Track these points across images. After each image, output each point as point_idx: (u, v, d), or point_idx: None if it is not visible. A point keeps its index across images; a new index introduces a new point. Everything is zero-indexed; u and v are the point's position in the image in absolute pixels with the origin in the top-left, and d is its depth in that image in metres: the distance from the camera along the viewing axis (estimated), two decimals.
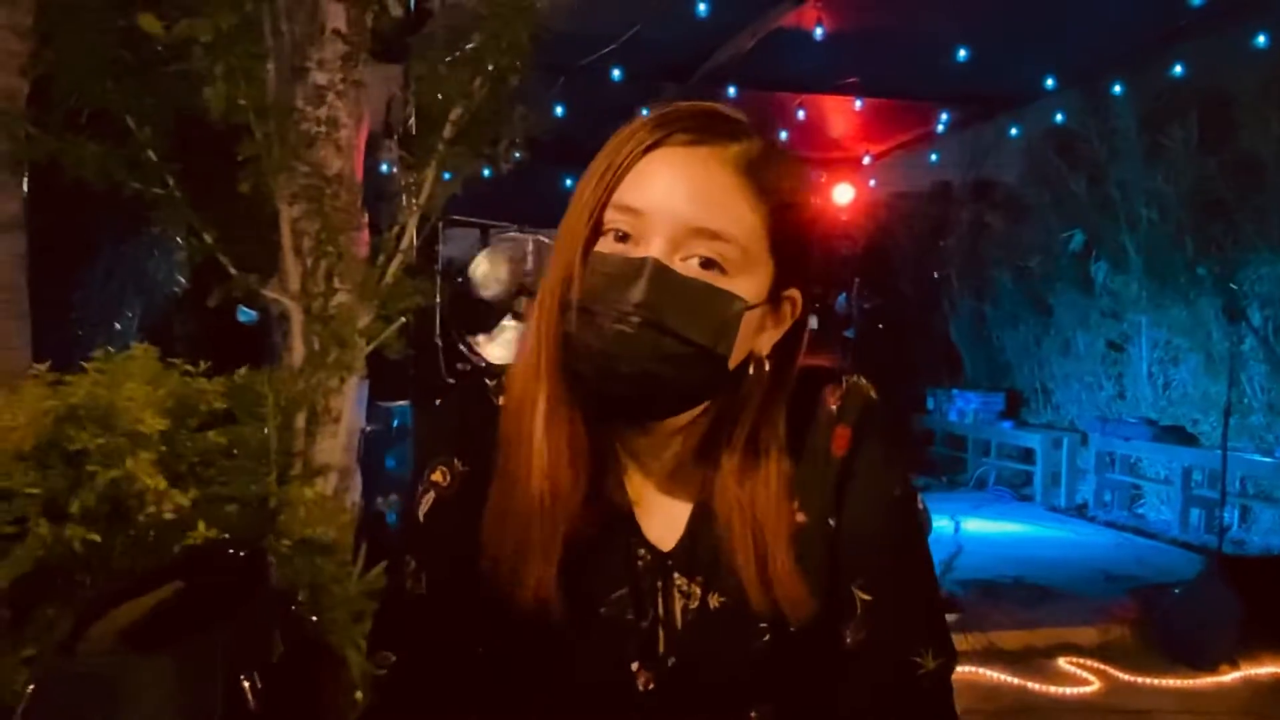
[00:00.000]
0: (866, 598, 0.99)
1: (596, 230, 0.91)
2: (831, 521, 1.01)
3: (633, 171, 0.90)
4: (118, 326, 5.47)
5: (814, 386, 1.04)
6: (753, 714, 1.00)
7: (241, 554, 0.81)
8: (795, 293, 0.98)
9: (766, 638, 0.98)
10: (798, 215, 0.97)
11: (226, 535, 2.52)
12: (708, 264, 0.90)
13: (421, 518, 1.01)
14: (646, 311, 0.88)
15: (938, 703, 1.00)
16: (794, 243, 0.97)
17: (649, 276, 0.87)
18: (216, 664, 0.69)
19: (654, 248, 0.88)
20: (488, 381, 1.07)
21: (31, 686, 0.72)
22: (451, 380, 5.19)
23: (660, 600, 1.01)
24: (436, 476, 1.01)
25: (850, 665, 1.00)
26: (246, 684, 0.70)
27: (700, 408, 0.97)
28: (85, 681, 0.70)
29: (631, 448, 1.03)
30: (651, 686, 0.99)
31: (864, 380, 1.05)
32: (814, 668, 1.01)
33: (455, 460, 1.02)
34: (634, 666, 0.98)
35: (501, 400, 1.02)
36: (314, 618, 0.84)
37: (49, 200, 3.52)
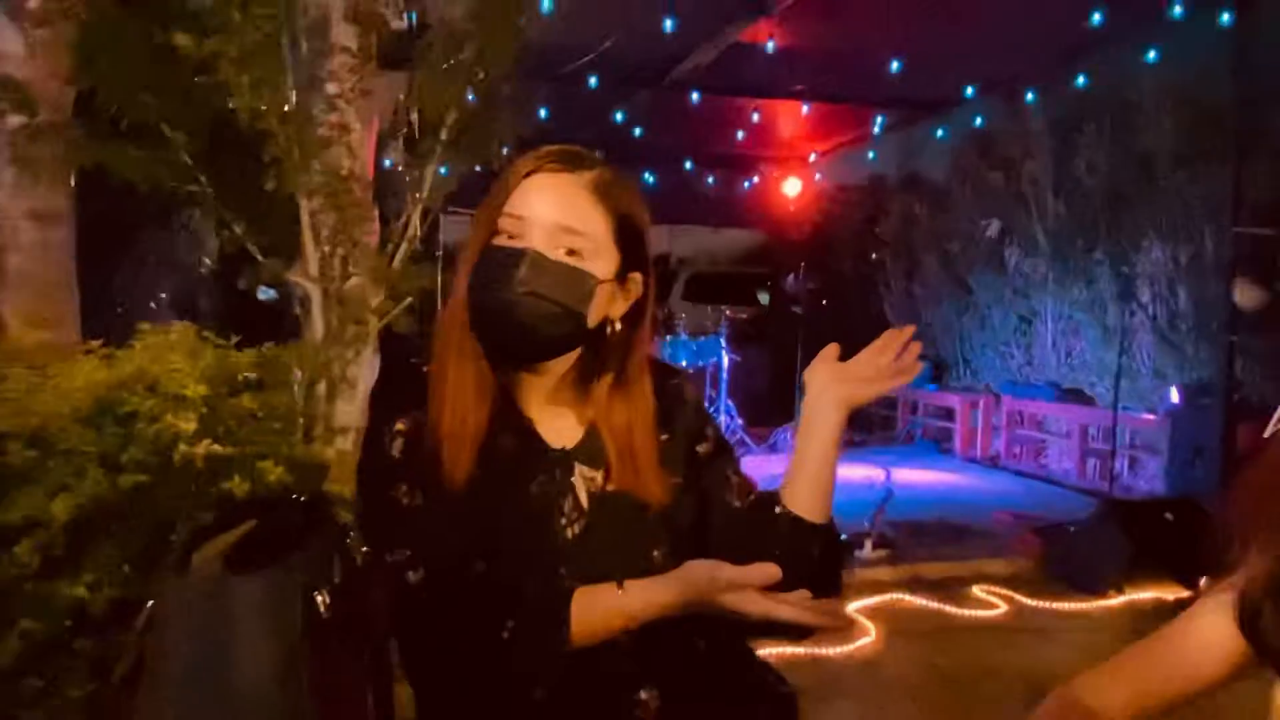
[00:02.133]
0: (735, 477, 1.24)
1: (493, 232, 1.10)
2: (699, 449, 1.26)
3: (517, 190, 1.11)
4: (152, 305, 5.44)
5: (670, 375, 1.31)
6: (656, 554, 1.18)
7: (303, 499, 0.87)
8: (638, 275, 1.18)
9: (651, 508, 1.17)
10: (634, 220, 1.17)
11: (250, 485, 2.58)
12: (570, 253, 1.09)
13: (398, 453, 1.13)
14: (529, 285, 1.06)
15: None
16: (633, 239, 1.16)
17: (529, 261, 1.07)
18: (295, 583, 0.74)
19: (533, 241, 1.08)
20: (414, 361, 1.21)
21: (151, 601, 0.77)
22: None
23: (571, 481, 1.18)
24: (400, 425, 1.14)
25: (741, 515, 1.20)
26: (319, 598, 0.76)
27: (575, 353, 1.16)
28: (194, 596, 0.75)
29: (526, 382, 1.18)
30: (576, 533, 1.15)
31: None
32: (699, 528, 1.21)
33: (413, 413, 1.14)
34: (562, 522, 1.15)
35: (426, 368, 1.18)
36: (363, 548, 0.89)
37: (91, 194, 3.51)
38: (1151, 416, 6.32)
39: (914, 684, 3.42)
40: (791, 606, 1.02)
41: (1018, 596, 4.34)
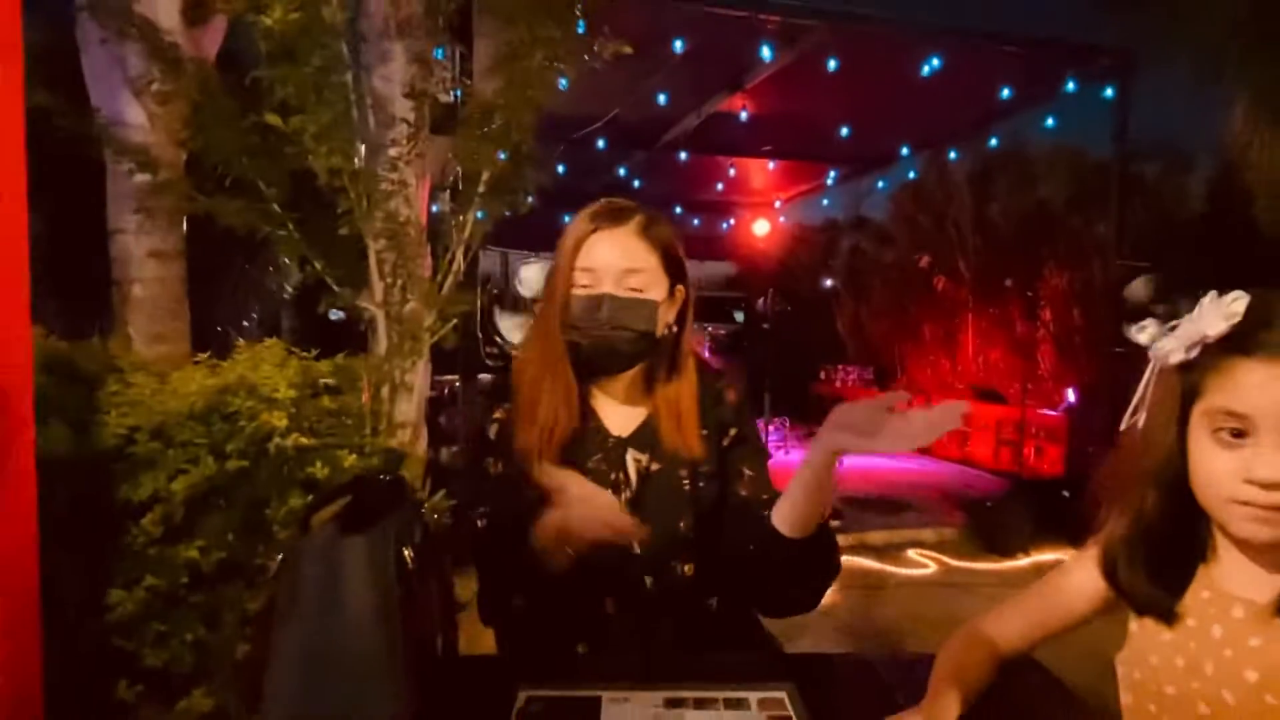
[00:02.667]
0: (750, 472, 1.24)
1: (570, 284, 1.15)
2: (725, 440, 1.26)
3: (584, 248, 1.16)
4: (245, 324, 5.44)
5: (717, 379, 1.30)
6: (681, 524, 1.20)
7: (387, 478, 0.90)
8: (681, 287, 1.23)
9: (686, 485, 1.22)
10: (673, 248, 1.23)
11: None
12: (634, 288, 1.16)
13: (493, 436, 1.20)
14: (612, 321, 1.13)
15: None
16: (674, 262, 1.22)
17: (608, 303, 1.13)
18: (388, 542, 0.76)
19: (605, 286, 1.14)
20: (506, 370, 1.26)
21: (280, 556, 0.80)
22: (487, 361, 5.19)
23: (623, 462, 1.22)
24: (499, 415, 1.20)
25: (744, 504, 1.21)
26: (406, 553, 0.79)
27: (642, 362, 1.22)
28: (314, 552, 0.78)
29: (601, 386, 1.24)
30: (625, 500, 1.19)
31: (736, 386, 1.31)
32: (717, 512, 1.22)
33: (505, 406, 1.20)
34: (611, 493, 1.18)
35: (515, 368, 1.24)
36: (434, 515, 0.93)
37: (197, 236, 3.51)
38: (1053, 413, 6.33)
39: (858, 629, 3.43)
40: None
41: (944, 558, 4.38)
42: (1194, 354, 0.80)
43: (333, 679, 0.71)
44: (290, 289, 5.85)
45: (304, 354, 2.83)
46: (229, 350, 2.86)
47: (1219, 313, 0.78)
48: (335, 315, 4.83)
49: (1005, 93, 5.80)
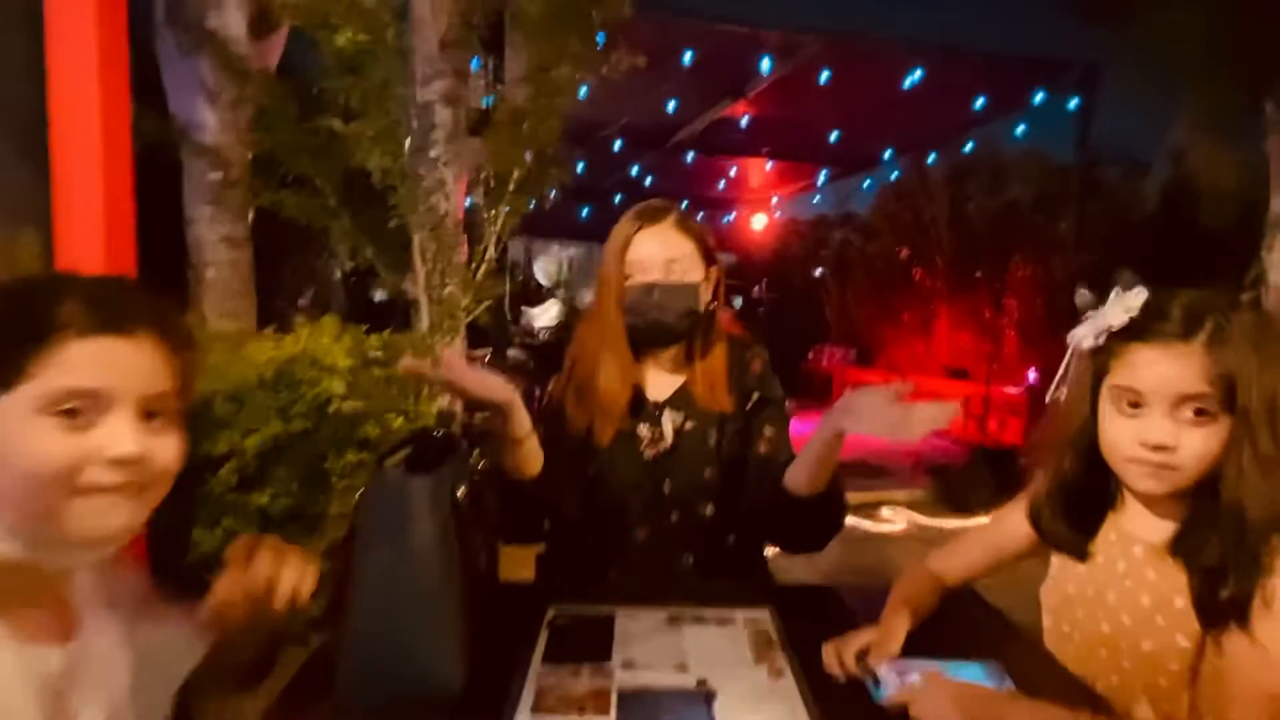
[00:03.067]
0: (770, 432, 1.24)
1: (624, 275, 1.19)
2: (748, 404, 1.28)
3: (632, 244, 1.18)
4: (301, 303, 5.49)
5: (745, 349, 1.32)
6: (707, 472, 1.23)
7: (441, 433, 0.97)
8: (714, 270, 1.26)
9: (713, 441, 1.25)
10: (704, 237, 1.25)
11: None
12: (678, 273, 1.19)
13: (544, 399, 1.25)
14: (664, 303, 1.18)
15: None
16: (706, 248, 1.25)
17: (659, 289, 1.17)
18: (445, 482, 0.78)
19: (654, 275, 1.17)
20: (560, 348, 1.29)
21: (360, 492, 0.86)
22: (518, 336, 5.26)
23: (661, 419, 1.26)
24: (551, 384, 1.25)
25: (763, 461, 1.23)
26: (459, 492, 0.85)
27: (685, 336, 1.25)
28: (386, 490, 0.79)
29: (649, 356, 1.27)
30: (657, 456, 1.24)
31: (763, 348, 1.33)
32: (738, 466, 1.25)
33: (554, 378, 1.25)
34: (645, 451, 1.24)
35: (577, 338, 1.26)
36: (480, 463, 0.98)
37: (260, 225, 3.56)
38: (1016, 390, 6.32)
39: (836, 576, 3.47)
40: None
41: (914, 515, 4.42)
42: (1102, 340, 0.86)
43: (401, 591, 0.78)
44: (340, 272, 5.89)
45: (356, 329, 2.90)
46: (288, 326, 2.93)
47: (1121, 307, 0.84)
48: (379, 296, 4.89)
49: (980, 102, 5.77)
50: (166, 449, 0.65)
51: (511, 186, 3.26)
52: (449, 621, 0.79)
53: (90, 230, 1.28)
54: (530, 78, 3.13)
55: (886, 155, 7.66)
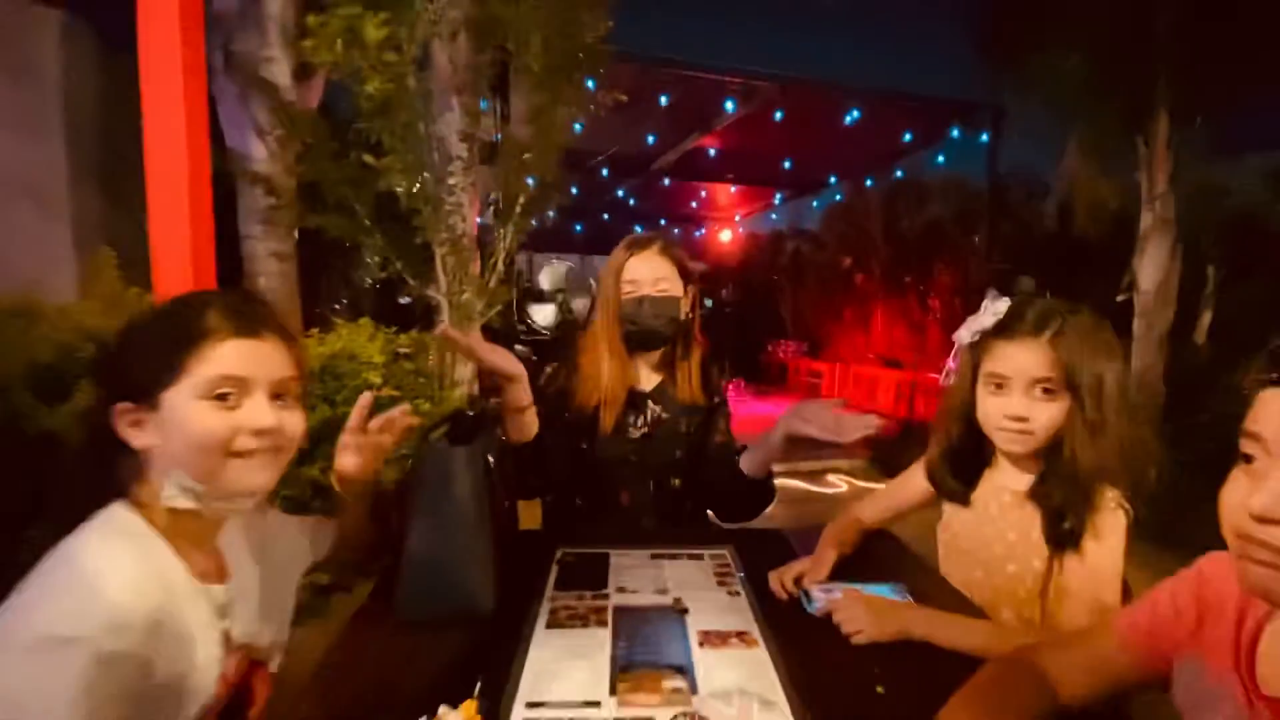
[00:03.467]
0: (724, 425, 1.31)
1: (619, 292, 1.23)
2: (713, 402, 1.33)
3: (626, 267, 1.23)
4: (336, 307, 5.47)
5: (714, 360, 1.36)
6: (678, 453, 1.29)
7: (473, 413, 1.04)
8: (693, 288, 1.31)
9: (684, 428, 1.31)
10: (683, 260, 1.29)
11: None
12: (663, 290, 1.23)
13: (542, 383, 1.27)
14: (653, 312, 1.21)
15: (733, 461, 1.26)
16: (686, 271, 1.29)
17: (649, 301, 1.21)
18: (479, 450, 0.81)
19: (644, 290, 1.22)
20: (581, 333, 1.32)
21: (410, 459, 0.92)
22: (521, 335, 5.27)
23: (644, 408, 1.31)
24: (548, 369, 1.28)
25: (720, 447, 1.30)
26: (489, 459, 0.91)
27: (670, 341, 1.29)
28: (433, 456, 0.83)
29: (640, 358, 1.31)
30: (640, 437, 1.29)
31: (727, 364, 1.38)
32: (700, 449, 1.31)
33: (556, 364, 1.28)
34: (631, 432, 1.28)
35: (582, 343, 1.29)
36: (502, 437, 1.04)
37: (303, 240, 3.55)
38: (938, 376, 6.38)
39: (790, 529, 3.57)
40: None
41: (854, 480, 4.49)
42: (977, 338, 0.97)
43: (446, 533, 0.86)
44: (370, 280, 5.86)
45: (387, 330, 2.95)
46: (329, 327, 2.96)
47: (991, 313, 0.95)
48: (404, 300, 4.88)
49: (907, 136, 5.90)
50: (294, 421, 0.74)
51: (518, 209, 3.28)
52: (483, 556, 0.88)
53: (180, 248, 1.33)
54: (532, 119, 3.17)
55: (831, 180, 7.80)
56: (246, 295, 0.75)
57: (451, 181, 3.06)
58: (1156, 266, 3.95)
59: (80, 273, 3.13)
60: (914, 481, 1.13)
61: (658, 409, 1.31)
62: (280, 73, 2.99)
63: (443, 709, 0.69)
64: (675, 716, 0.69)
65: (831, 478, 4.57)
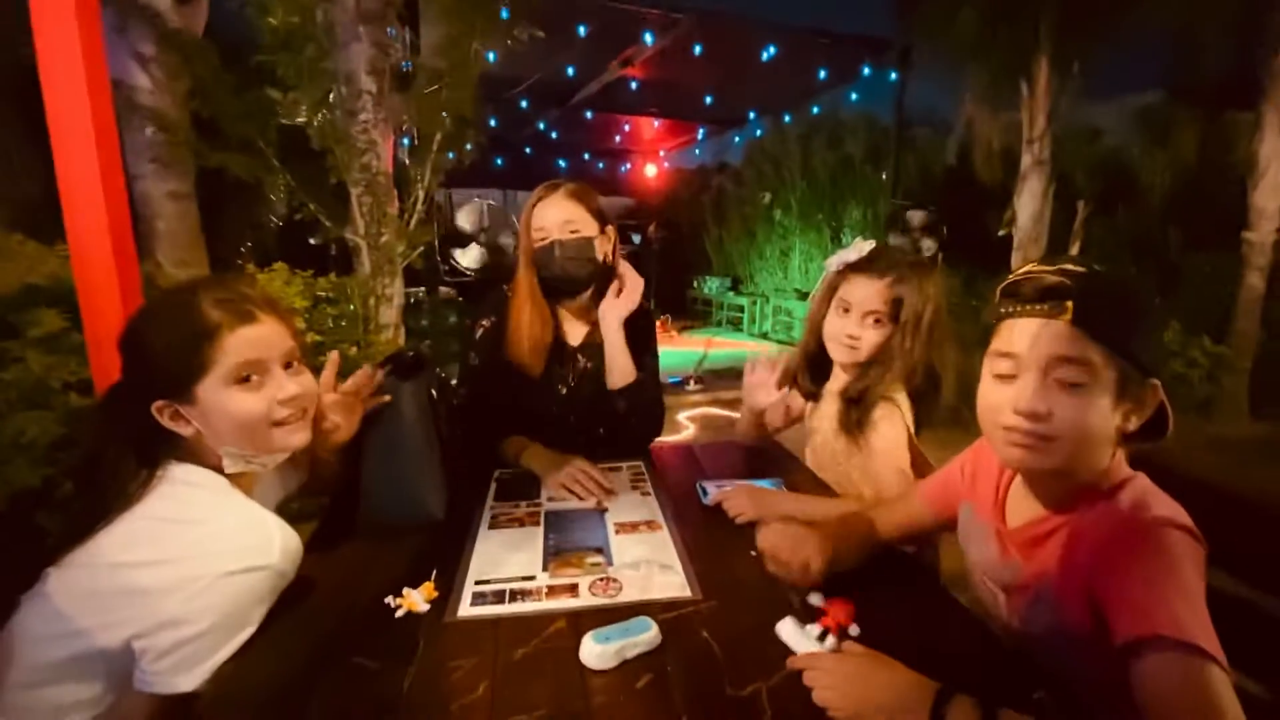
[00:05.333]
0: (648, 361, 1.36)
1: (531, 239, 1.24)
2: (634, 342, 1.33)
3: (536, 212, 1.23)
4: (241, 250, 5.20)
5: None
6: (621, 406, 1.28)
7: (411, 354, 1.15)
8: (610, 229, 1.29)
9: (601, 381, 1.33)
10: (595, 202, 1.28)
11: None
12: (573, 231, 1.24)
13: (478, 337, 1.29)
14: (565, 255, 1.22)
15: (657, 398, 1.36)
16: (598, 212, 1.28)
17: (559, 246, 1.22)
18: (423, 384, 0.90)
19: (554, 235, 1.23)
20: (505, 287, 1.31)
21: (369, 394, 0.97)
22: (445, 276, 5.20)
23: (572, 361, 1.33)
24: (484, 322, 1.29)
25: (643, 381, 1.32)
26: (431, 391, 0.94)
27: (591, 287, 1.29)
28: (384, 390, 0.93)
29: (564, 307, 1.32)
30: (568, 390, 1.32)
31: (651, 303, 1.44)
32: (631, 395, 1.31)
33: (492, 316, 1.29)
34: (560, 387, 1.32)
35: (509, 292, 1.29)
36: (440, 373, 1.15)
37: (200, 181, 3.35)
38: None
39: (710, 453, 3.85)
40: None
41: None
42: (839, 269, 1.18)
43: (399, 454, 1.01)
44: (276, 221, 5.55)
45: (304, 273, 2.90)
46: (238, 272, 2.87)
47: (856, 250, 1.16)
48: (314, 241, 4.72)
49: (822, 74, 5.99)
50: (309, 382, 0.87)
51: (434, 147, 3.21)
52: (432, 472, 1.03)
53: (90, 191, 1.32)
54: (444, 51, 3.07)
55: (751, 116, 7.80)
56: (232, 282, 0.84)
57: (362, 117, 2.95)
58: (1033, 203, 4.39)
59: None
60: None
61: (584, 361, 1.31)
62: None
63: (405, 590, 0.86)
64: (594, 580, 0.90)
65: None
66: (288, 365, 0.84)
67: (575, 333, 1.33)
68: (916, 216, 5.56)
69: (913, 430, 1.12)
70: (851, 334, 1.15)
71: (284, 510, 1.00)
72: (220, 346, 0.78)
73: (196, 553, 0.73)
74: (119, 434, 0.79)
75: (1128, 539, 0.64)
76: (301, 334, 2.44)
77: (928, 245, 5.33)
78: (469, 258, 5.37)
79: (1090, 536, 0.69)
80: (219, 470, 0.81)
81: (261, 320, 0.81)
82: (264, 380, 0.80)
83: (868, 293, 1.13)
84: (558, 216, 1.23)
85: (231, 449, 0.81)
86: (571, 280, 1.25)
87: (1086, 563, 0.67)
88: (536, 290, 1.25)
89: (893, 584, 0.89)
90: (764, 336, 7.73)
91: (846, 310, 1.16)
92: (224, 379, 0.78)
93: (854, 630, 0.73)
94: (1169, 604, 0.58)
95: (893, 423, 1.11)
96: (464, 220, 5.45)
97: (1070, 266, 0.68)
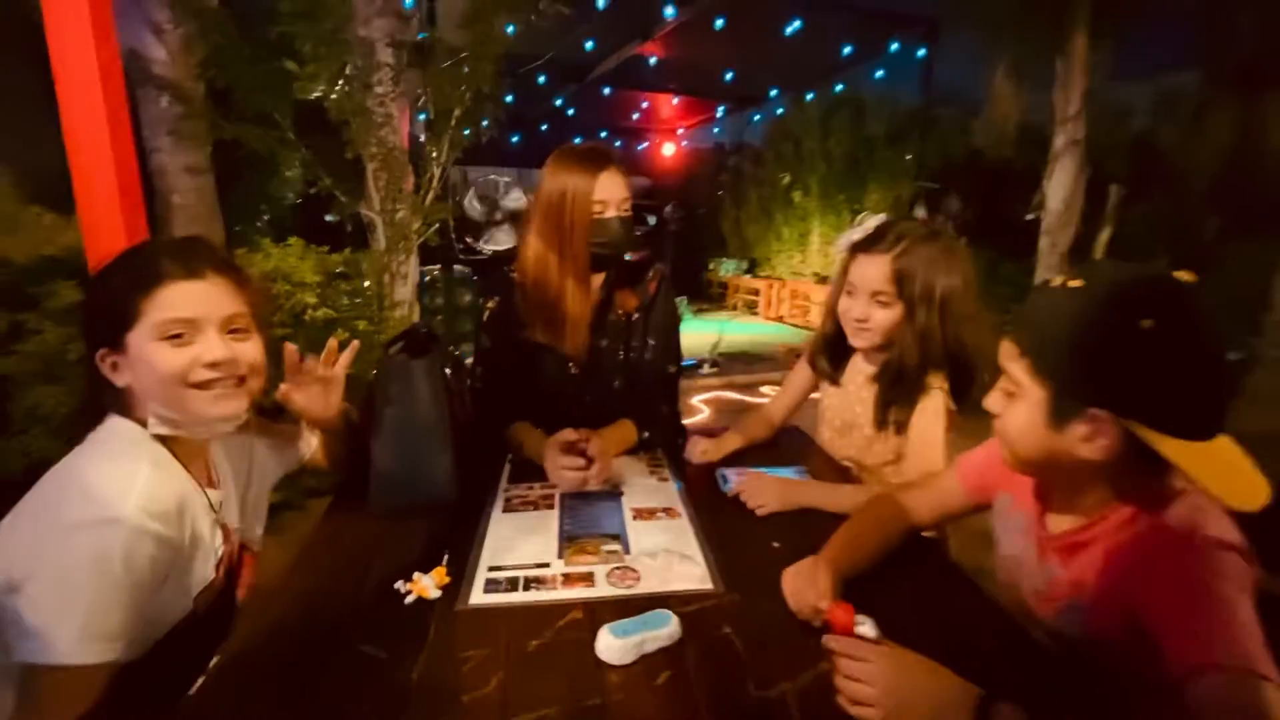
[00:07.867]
0: (653, 341, 1.30)
1: (589, 211, 1.15)
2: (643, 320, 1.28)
3: (600, 181, 1.15)
4: (258, 225, 5.19)
5: (647, 268, 1.30)
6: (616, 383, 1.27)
7: (424, 330, 1.11)
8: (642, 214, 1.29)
9: (621, 355, 1.27)
10: (631, 185, 1.20)
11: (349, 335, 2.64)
12: (626, 210, 1.17)
13: (485, 318, 1.25)
14: (623, 233, 1.16)
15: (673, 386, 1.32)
16: (636, 194, 1.22)
17: (619, 223, 1.16)
18: (436, 362, 0.88)
19: (612, 210, 1.16)
20: (506, 269, 1.26)
21: (375, 371, 0.94)
22: (460, 252, 5.13)
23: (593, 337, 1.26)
24: (489, 305, 1.25)
25: (648, 364, 1.28)
26: (446, 370, 0.99)
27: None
28: (394, 368, 0.89)
29: (606, 277, 1.25)
30: (580, 370, 1.25)
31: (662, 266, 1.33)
32: (640, 368, 1.28)
33: (497, 298, 1.25)
34: (571, 366, 1.25)
35: (515, 274, 1.22)
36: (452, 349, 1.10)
37: (217, 155, 3.33)
38: None
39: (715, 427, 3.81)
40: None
41: None
42: (849, 248, 1.12)
43: (411, 434, 0.98)
44: (292, 196, 5.52)
45: (319, 249, 2.87)
46: (253, 247, 2.85)
47: (861, 229, 1.10)
48: (330, 218, 4.68)
49: (847, 50, 5.83)
50: (250, 350, 0.81)
51: (452, 122, 3.15)
52: (444, 452, 1.00)
53: (102, 160, 1.29)
54: (468, 23, 2.99)
55: (773, 93, 7.63)
56: (192, 240, 0.80)
57: (379, 90, 2.89)
58: (1064, 186, 4.23)
59: None
60: (800, 374, 1.32)
61: (600, 337, 1.26)
62: None
63: (416, 574, 0.83)
64: (611, 569, 0.86)
65: (765, 389, 4.79)
66: (233, 331, 0.79)
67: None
68: (944, 200, 5.43)
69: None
70: (859, 316, 1.09)
71: (295, 486, 0.97)
72: (154, 299, 0.74)
73: (55, 499, 0.69)
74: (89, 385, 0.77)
75: (1180, 560, 0.64)
76: (312, 308, 2.37)
77: (951, 230, 5.18)
78: (503, 239, 5.30)
79: (1136, 552, 0.68)
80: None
81: (208, 279, 0.77)
82: (193, 339, 0.76)
83: (870, 271, 1.07)
84: (619, 192, 1.17)
85: (158, 409, 0.77)
86: (618, 256, 1.20)
87: (1131, 578, 0.67)
88: (586, 266, 1.18)
89: (903, 563, 0.86)
90: (780, 320, 7.66)
91: (851, 292, 1.11)
92: (151, 331, 0.74)
93: (870, 631, 0.65)
94: (1226, 630, 0.59)
95: (935, 413, 1.06)
96: (472, 203, 5.37)
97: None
